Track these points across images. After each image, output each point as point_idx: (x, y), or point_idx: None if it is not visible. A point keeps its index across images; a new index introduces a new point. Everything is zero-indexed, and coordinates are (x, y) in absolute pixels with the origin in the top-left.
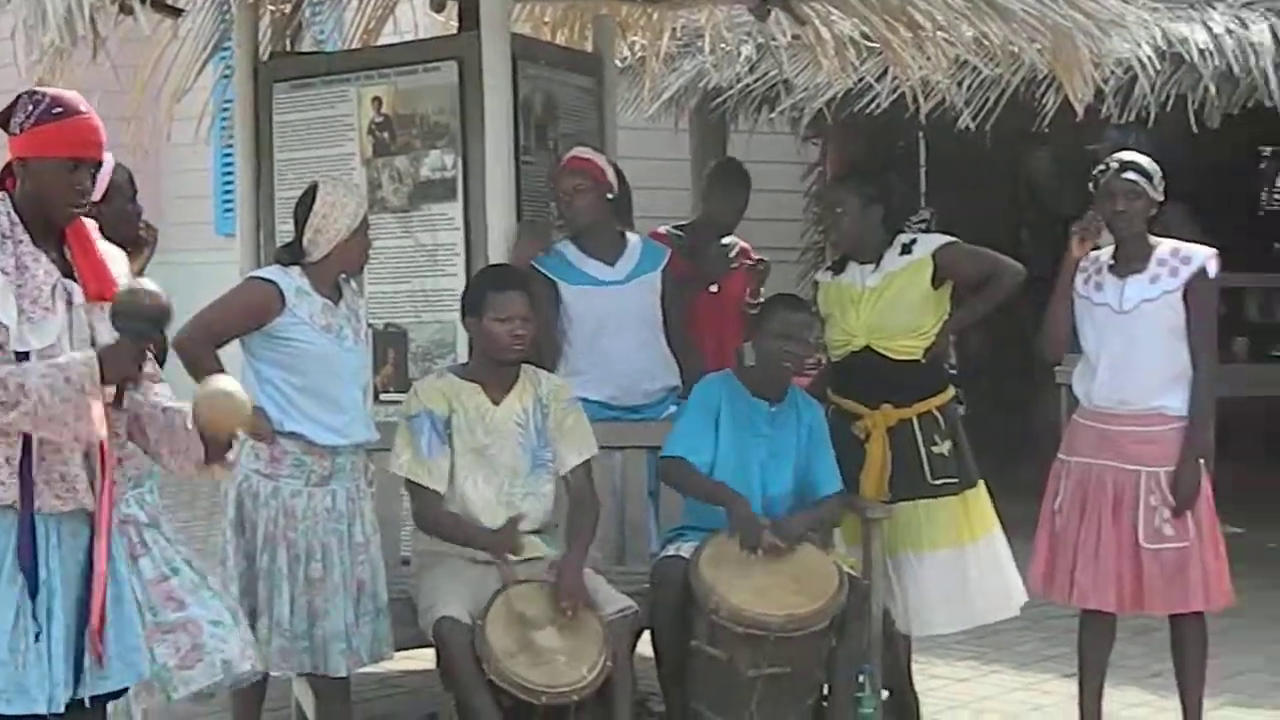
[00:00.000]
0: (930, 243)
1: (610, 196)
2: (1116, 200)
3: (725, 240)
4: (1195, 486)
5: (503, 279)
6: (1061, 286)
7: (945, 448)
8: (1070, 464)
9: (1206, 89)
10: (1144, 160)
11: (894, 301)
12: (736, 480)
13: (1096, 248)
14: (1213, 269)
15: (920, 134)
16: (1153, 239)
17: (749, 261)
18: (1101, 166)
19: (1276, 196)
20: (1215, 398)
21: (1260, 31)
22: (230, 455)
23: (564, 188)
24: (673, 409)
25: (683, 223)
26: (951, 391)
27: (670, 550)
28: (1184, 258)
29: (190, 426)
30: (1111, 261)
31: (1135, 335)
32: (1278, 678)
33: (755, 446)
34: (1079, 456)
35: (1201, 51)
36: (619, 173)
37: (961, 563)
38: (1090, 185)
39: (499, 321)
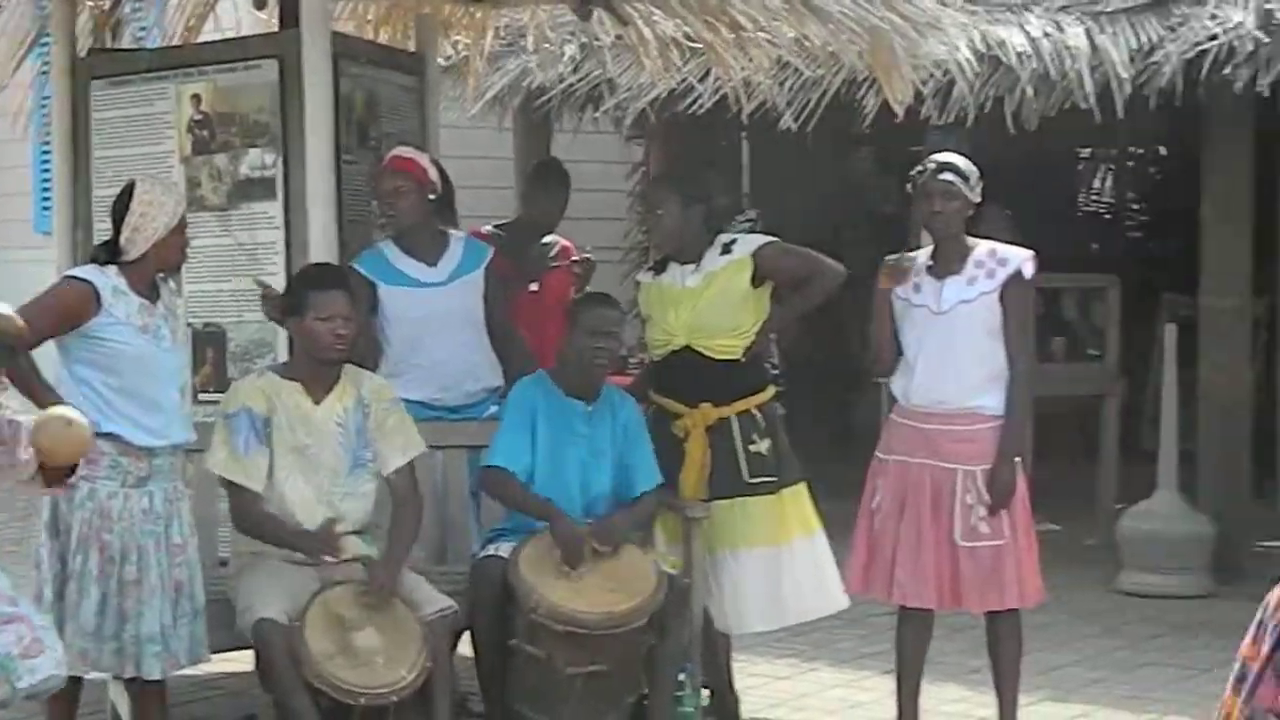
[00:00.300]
0: (750, 243)
1: (433, 196)
2: (934, 201)
3: (546, 239)
4: (1011, 485)
5: (323, 278)
6: (878, 314)
7: (764, 446)
8: (888, 463)
9: (1024, 91)
10: (961, 161)
11: (714, 301)
12: (556, 482)
13: (917, 246)
14: (1029, 271)
15: (743, 134)
16: (970, 240)
17: (571, 260)
18: (919, 168)
19: (1094, 198)
20: (1032, 397)
21: (1076, 35)
22: (71, 479)
23: (385, 188)
24: (494, 409)
25: (504, 221)
26: (771, 390)
27: (490, 550)
28: (1001, 259)
29: (27, 447)
30: (930, 263)
31: (953, 336)
32: (1092, 673)
33: (573, 448)
34: (897, 455)
35: (1019, 54)
36: (442, 172)
37: (778, 561)
38: (909, 186)
39: (321, 321)
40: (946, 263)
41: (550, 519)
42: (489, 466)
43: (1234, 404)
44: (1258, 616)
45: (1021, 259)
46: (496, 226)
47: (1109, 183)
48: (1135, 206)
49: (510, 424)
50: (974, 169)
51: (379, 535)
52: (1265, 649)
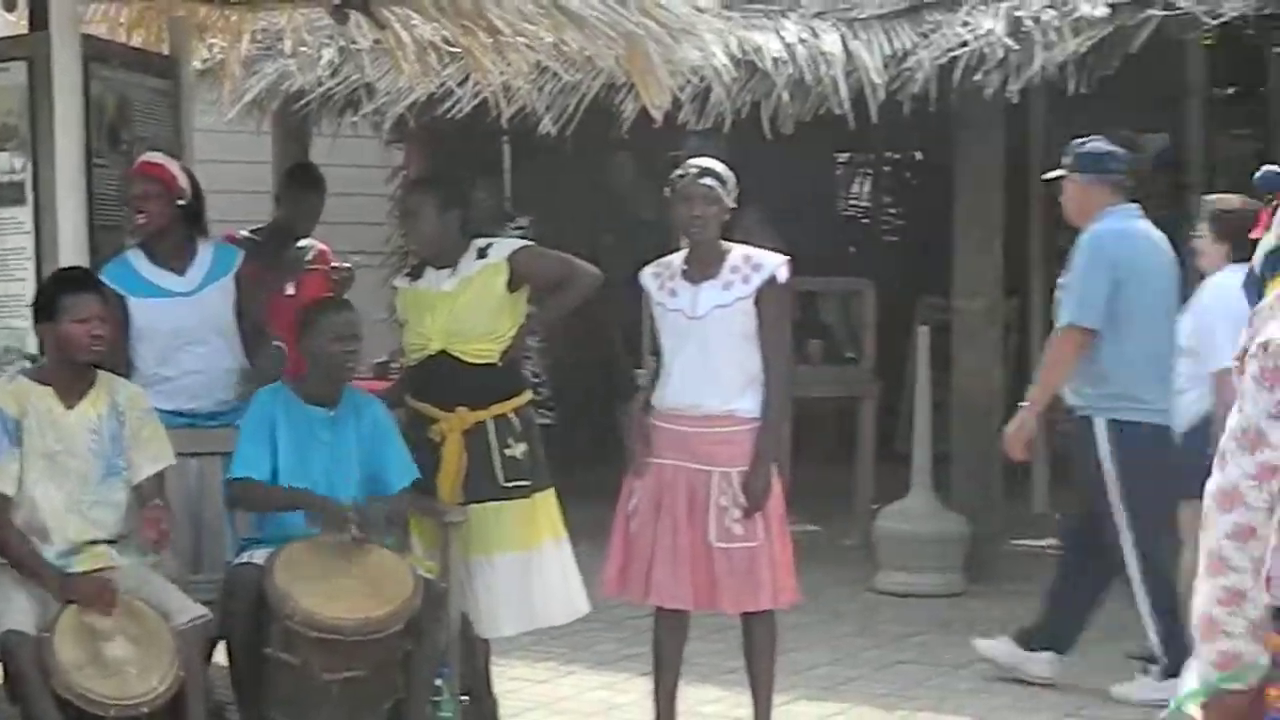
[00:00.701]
0: (506, 247)
1: (181, 203)
2: (693, 205)
3: (302, 243)
4: (766, 488)
5: (76, 281)
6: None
7: (519, 450)
8: (645, 466)
9: (780, 97)
10: (719, 166)
11: (470, 305)
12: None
13: (676, 250)
14: (783, 275)
15: (503, 139)
16: (725, 245)
17: (330, 266)
18: (679, 172)
19: (851, 202)
20: (789, 400)
21: (831, 41)
22: None
23: (134, 193)
24: None
25: (259, 226)
26: (528, 395)
27: (245, 557)
28: (756, 265)
29: None
30: (685, 267)
31: (709, 341)
32: (848, 671)
33: (316, 455)
34: (656, 458)
35: (775, 60)
36: (193, 180)
37: (529, 566)
38: (667, 190)
39: (77, 323)
40: (703, 267)
41: (307, 503)
42: (233, 480)
43: (985, 405)
44: None
45: (776, 264)
46: (251, 231)
47: (866, 187)
48: (892, 210)
49: (248, 434)
50: (731, 174)
51: (129, 545)
52: None
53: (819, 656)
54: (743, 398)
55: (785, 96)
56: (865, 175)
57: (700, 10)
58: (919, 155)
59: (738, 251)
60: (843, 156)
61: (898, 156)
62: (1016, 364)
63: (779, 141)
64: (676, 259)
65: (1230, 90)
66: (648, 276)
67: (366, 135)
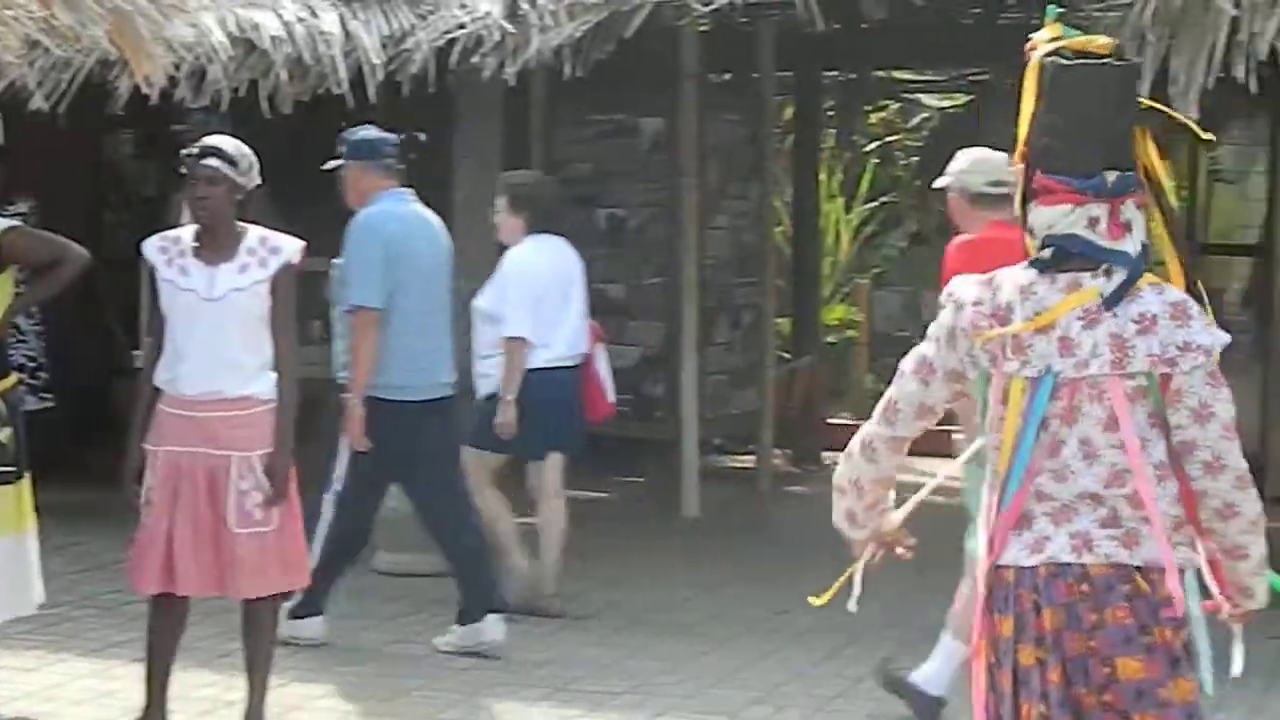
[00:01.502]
0: None
1: None
2: (198, 186)
3: None
4: (288, 472)
5: None
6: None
7: (4, 435)
8: (159, 453)
9: (278, 75)
10: (230, 146)
11: None
12: None
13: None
14: (298, 260)
15: None
16: (241, 226)
17: None
18: (188, 151)
19: None
20: (298, 381)
21: (330, 21)
22: None
23: None
24: None
25: None
26: (14, 378)
27: None
28: (273, 248)
29: None
30: (196, 245)
31: (225, 323)
32: (342, 654)
33: None
34: (169, 445)
35: (273, 39)
36: None
37: (22, 549)
38: (178, 170)
39: None
40: (217, 248)
41: None
42: None
43: None
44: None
45: (295, 249)
46: None
47: None
48: None
49: None
50: (246, 153)
51: None
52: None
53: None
54: (258, 381)
55: (284, 76)
56: None
57: None
58: (422, 137)
59: (254, 233)
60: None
61: (401, 137)
62: None
63: (282, 121)
64: (185, 235)
65: (724, 75)
66: (153, 250)
67: None
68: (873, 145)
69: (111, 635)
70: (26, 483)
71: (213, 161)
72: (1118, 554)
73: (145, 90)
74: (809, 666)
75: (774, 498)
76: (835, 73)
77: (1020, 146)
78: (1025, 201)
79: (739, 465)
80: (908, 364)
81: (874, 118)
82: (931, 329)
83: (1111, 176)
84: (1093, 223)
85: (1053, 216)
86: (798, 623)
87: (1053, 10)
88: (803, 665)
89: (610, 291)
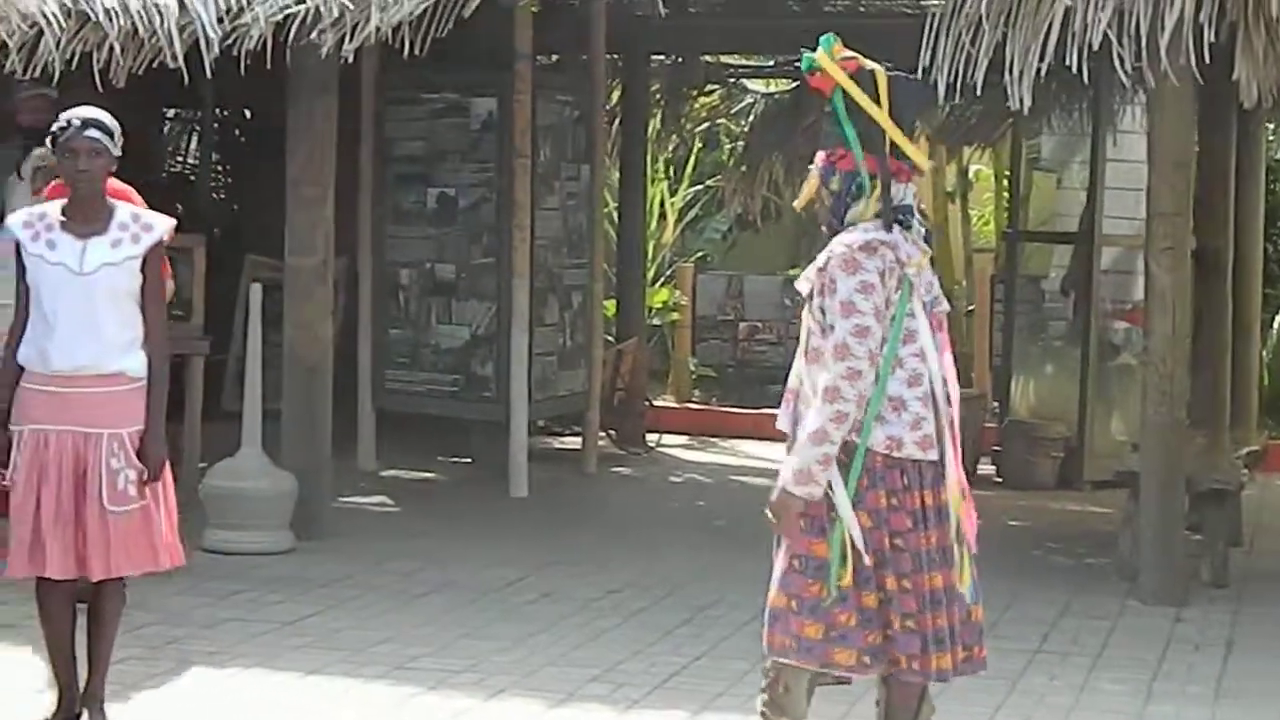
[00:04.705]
0: None
1: None
2: (78, 159)
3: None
4: (164, 450)
5: None
6: None
7: None
8: (23, 432)
9: (112, 48)
10: (104, 117)
11: None
12: None
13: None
14: (168, 237)
15: None
16: (110, 200)
17: None
18: (61, 123)
19: (180, 159)
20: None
21: None
22: None
23: None
24: None
25: None
26: None
27: None
28: (146, 225)
29: None
30: (64, 219)
31: (96, 298)
32: (175, 630)
33: None
34: (33, 424)
35: (107, 11)
36: None
37: None
38: (51, 143)
39: None
40: (88, 221)
41: None
42: None
43: (316, 362)
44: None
45: (166, 226)
46: None
47: (194, 144)
48: (220, 168)
49: None
50: (117, 126)
51: None
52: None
53: (148, 617)
54: (129, 357)
55: (118, 48)
56: (193, 131)
57: None
58: (248, 113)
59: (124, 209)
60: (170, 112)
61: (227, 113)
62: (344, 323)
63: (107, 95)
64: (51, 209)
65: (552, 57)
66: (18, 225)
67: None
68: (698, 129)
69: None
70: None
71: (94, 133)
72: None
73: None
74: (645, 645)
75: (601, 478)
76: (662, 57)
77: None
78: (885, 180)
79: (565, 446)
80: (864, 320)
81: (700, 102)
82: (856, 283)
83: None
84: (915, 195)
85: (903, 192)
86: (631, 603)
87: (829, 38)
88: (639, 644)
89: (440, 271)
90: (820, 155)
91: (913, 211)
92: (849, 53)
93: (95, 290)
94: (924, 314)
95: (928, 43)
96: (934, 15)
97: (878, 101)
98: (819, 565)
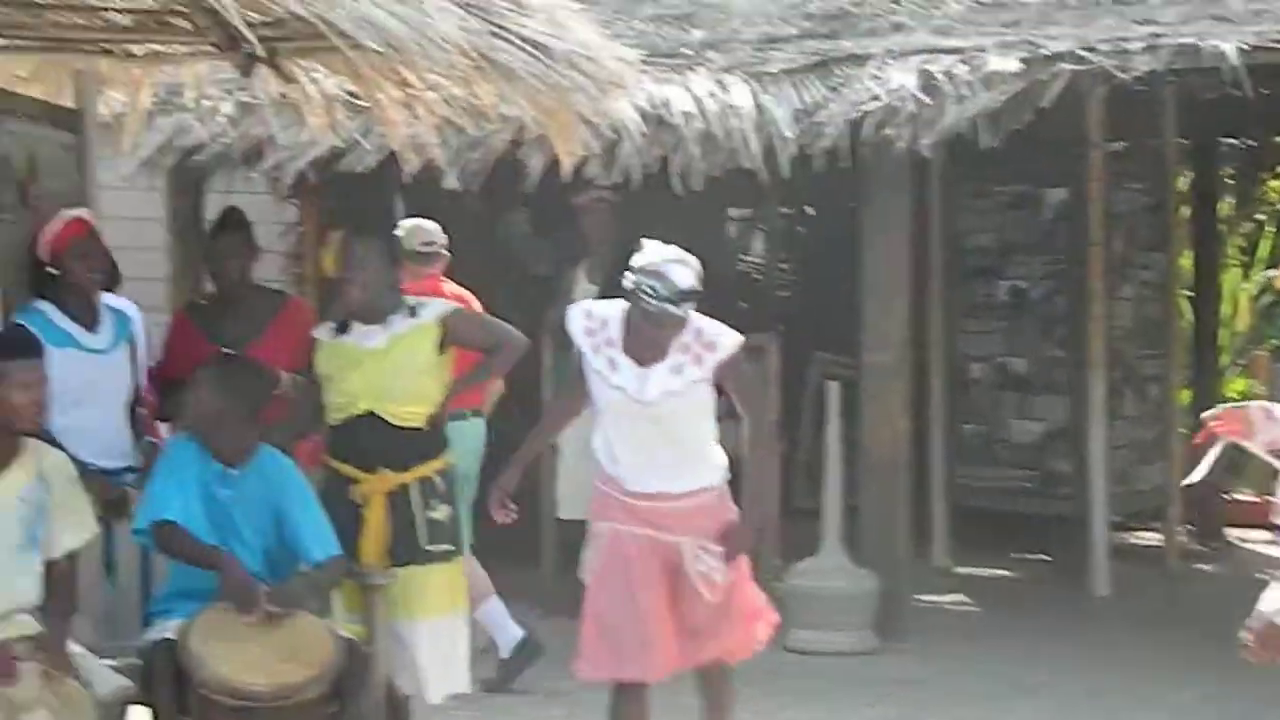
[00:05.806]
0: (438, 308)
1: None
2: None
3: None
4: (752, 537)
5: (21, 344)
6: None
7: (442, 513)
8: (603, 529)
9: (690, 151)
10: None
11: (399, 365)
12: None
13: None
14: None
15: (398, 193)
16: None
17: None
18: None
19: (745, 258)
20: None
21: (741, 95)
22: None
23: (83, 249)
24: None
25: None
26: (451, 456)
27: (158, 629)
28: (708, 343)
29: None
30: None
31: (663, 425)
32: None
33: (215, 512)
34: (615, 524)
35: (684, 114)
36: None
37: (454, 629)
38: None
39: (21, 390)
40: (649, 350)
41: (221, 567)
42: (160, 522)
43: (892, 458)
44: None
45: (731, 345)
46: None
47: (760, 244)
48: (784, 266)
49: (164, 477)
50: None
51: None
52: None
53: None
54: (706, 470)
55: (695, 151)
56: (758, 231)
57: (626, 63)
58: (811, 211)
59: (690, 325)
60: (735, 212)
61: (790, 212)
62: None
63: (675, 198)
64: (613, 320)
65: (1120, 143)
66: (578, 330)
67: (261, 190)
68: (1271, 212)
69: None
70: (461, 563)
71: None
72: None
73: (564, 167)
74: None
75: (1182, 574)
76: (1233, 139)
77: None
78: None
79: (1143, 542)
80: None
81: (1271, 185)
82: None
83: None
84: None
85: None
86: (1230, 708)
87: None
88: None
89: (1012, 365)
90: None
91: None
92: None
93: (662, 418)
94: None
95: None
96: None
97: None
98: None
